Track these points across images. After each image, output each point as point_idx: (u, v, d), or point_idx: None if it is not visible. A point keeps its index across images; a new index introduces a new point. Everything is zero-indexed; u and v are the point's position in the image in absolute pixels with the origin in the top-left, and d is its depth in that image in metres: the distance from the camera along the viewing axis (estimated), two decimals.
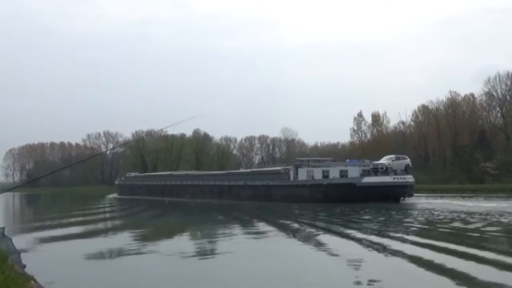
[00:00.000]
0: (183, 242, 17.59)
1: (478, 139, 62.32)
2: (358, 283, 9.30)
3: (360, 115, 79.92)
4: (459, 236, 16.06)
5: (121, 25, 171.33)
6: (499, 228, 18.24)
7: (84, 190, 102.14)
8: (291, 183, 40.99)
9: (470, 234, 16.46)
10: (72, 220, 28.37)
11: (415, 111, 74.89)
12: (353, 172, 37.94)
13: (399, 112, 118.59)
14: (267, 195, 42.25)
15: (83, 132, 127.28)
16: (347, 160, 44.30)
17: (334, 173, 38.66)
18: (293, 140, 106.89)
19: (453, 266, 10.49)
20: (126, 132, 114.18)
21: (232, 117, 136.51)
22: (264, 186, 43.61)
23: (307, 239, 16.86)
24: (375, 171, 37.91)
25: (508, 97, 64.88)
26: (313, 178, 39.47)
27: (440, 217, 22.91)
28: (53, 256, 14.36)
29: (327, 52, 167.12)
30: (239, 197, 45.74)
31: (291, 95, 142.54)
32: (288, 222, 23.44)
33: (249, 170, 65.15)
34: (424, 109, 73.52)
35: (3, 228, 12.25)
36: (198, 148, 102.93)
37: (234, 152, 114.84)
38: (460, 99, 70.13)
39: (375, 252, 13.27)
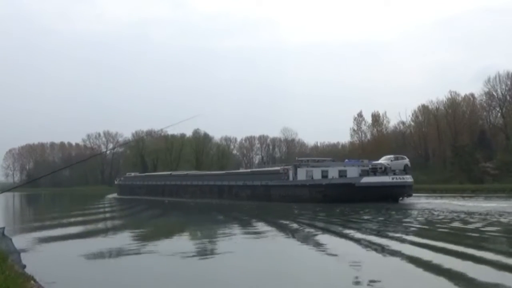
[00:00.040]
0: (183, 242, 17.63)
1: (478, 139, 62.34)
2: (357, 283, 9.34)
3: (360, 115, 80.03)
4: (458, 236, 16.10)
5: (121, 25, 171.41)
6: (498, 228, 18.27)
7: (84, 190, 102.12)
8: (290, 183, 41.02)
9: (469, 234, 16.49)
10: (72, 220, 28.39)
11: (415, 111, 75.04)
12: (352, 172, 37.99)
13: (399, 112, 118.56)
14: (266, 195, 42.27)
15: (83, 132, 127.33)
16: (346, 160, 44.31)
17: (333, 173, 38.71)
18: (293, 140, 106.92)
19: (452, 266, 10.52)
20: (126, 132, 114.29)
21: (232, 117, 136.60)
22: (263, 186, 43.63)
23: (306, 239, 16.88)
24: (374, 171, 37.95)
25: (508, 97, 64.90)
26: (312, 178, 39.51)
27: (440, 217, 22.94)
28: (53, 256, 14.39)
29: (327, 52, 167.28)
30: (239, 197, 45.77)
31: (291, 95, 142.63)
32: (287, 222, 23.46)
33: (248, 170, 65.16)
34: (424, 109, 73.54)
35: (3, 228, 12.29)
36: (198, 148, 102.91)
37: (234, 152, 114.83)
38: (460, 99, 70.19)
39: (374, 252, 13.31)
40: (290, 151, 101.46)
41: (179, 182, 58.35)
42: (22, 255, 11.59)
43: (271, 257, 13.47)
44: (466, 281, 9.24)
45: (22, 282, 7.55)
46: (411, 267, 10.87)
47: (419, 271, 10.40)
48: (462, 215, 23.01)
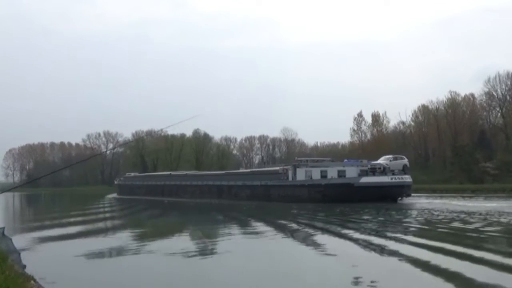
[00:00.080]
0: (182, 242, 17.60)
1: (478, 139, 62.34)
2: (356, 283, 9.35)
3: (360, 115, 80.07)
4: (458, 237, 16.12)
5: (121, 25, 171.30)
6: (498, 228, 18.29)
7: (84, 190, 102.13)
8: (290, 183, 41.05)
9: (469, 234, 16.51)
10: (72, 220, 28.40)
11: (415, 111, 75.04)
12: (351, 172, 38.03)
13: (399, 112, 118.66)
14: (265, 195, 42.30)
15: (83, 132, 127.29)
16: (345, 160, 44.34)
17: (332, 173, 38.76)
18: (293, 140, 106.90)
19: (451, 266, 10.54)
20: (126, 132, 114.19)
21: (232, 117, 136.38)
22: (263, 186, 43.66)
23: (306, 239, 16.89)
24: (373, 171, 37.99)
25: (508, 97, 64.90)
26: (311, 178, 39.57)
27: (440, 217, 22.95)
28: (53, 256, 14.41)
29: (327, 52, 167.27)
30: (238, 197, 45.80)
31: (291, 95, 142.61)
32: (286, 222, 23.48)
33: (248, 170, 65.22)
34: (424, 109, 73.54)
35: (3, 228, 12.27)
36: (198, 148, 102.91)
37: (234, 152, 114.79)
38: (460, 99, 70.17)
39: (373, 252, 13.32)
40: (290, 151, 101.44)
41: (179, 182, 58.36)
42: (22, 255, 11.59)
43: (271, 257, 13.48)
44: (465, 281, 9.25)
45: (22, 282, 7.57)
46: (410, 267, 10.88)
47: (418, 271, 10.42)
48: (462, 215, 23.02)
